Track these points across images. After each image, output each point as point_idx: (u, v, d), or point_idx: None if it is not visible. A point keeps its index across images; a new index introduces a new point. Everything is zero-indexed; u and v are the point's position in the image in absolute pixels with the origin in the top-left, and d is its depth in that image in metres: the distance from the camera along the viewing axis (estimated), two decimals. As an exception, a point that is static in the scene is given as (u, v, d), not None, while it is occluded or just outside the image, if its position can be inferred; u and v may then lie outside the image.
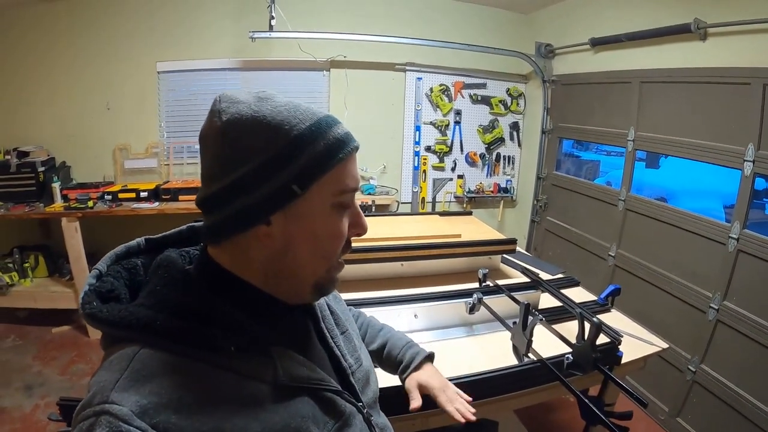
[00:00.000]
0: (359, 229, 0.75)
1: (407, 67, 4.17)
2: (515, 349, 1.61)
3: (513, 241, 2.41)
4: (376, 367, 1.06)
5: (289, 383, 0.68)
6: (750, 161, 2.47)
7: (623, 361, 1.61)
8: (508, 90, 4.56)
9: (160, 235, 0.78)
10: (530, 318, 1.49)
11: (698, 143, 2.80)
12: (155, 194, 3.51)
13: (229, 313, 0.65)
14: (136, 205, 3.38)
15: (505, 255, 2.50)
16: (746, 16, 2.42)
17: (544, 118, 4.37)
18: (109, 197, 3.43)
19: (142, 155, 3.85)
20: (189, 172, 3.92)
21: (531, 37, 4.32)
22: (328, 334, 0.84)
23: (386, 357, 1.22)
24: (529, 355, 1.51)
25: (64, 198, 3.42)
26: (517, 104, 4.62)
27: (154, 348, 0.60)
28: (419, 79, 4.21)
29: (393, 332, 1.27)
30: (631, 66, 3.30)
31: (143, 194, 3.46)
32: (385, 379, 1.18)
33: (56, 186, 3.43)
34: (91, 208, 3.29)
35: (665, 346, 1.88)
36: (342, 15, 3.89)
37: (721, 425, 2.61)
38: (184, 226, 0.81)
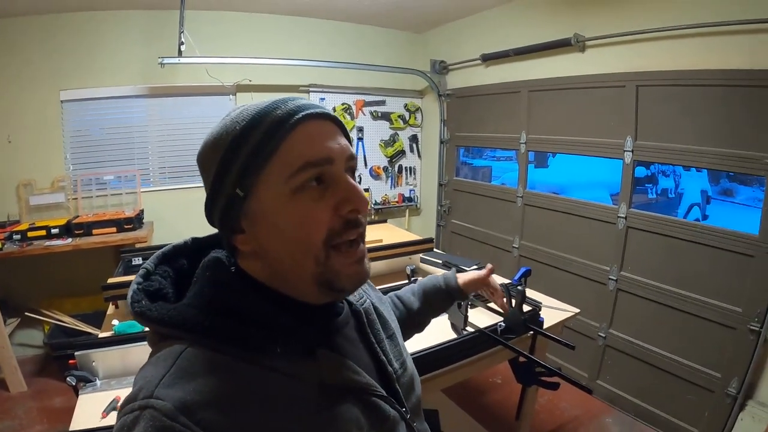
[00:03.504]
0: (348, 204, 0.65)
1: (311, 89, 4.24)
2: (453, 326, 1.80)
3: (430, 240, 2.60)
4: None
5: (333, 385, 0.66)
6: (629, 151, 2.86)
7: (544, 326, 1.83)
8: (406, 105, 4.79)
9: (206, 235, 0.77)
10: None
11: (584, 140, 3.17)
12: (67, 230, 3.28)
13: (274, 315, 0.65)
14: (48, 242, 3.16)
15: (423, 255, 2.67)
16: (618, 30, 2.81)
17: (441, 129, 4.64)
18: (18, 236, 3.15)
19: (48, 190, 3.57)
20: (99, 205, 3.69)
21: (426, 54, 4.56)
22: (373, 339, 0.81)
23: (431, 301, 1.23)
24: (467, 328, 1.72)
25: (-33, 243, 3.08)
26: (415, 118, 4.86)
27: (201, 347, 0.59)
28: (322, 99, 4.29)
29: (420, 285, 1.27)
30: (520, 77, 3.63)
31: (54, 231, 3.24)
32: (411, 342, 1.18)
33: (-44, 231, 3.11)
34: (0, 249, 3.04)
35: (577, 310, 2.16)
36: (248, 40, 3.91)
37: (635, 378, 2.95)
38: None
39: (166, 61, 3.32)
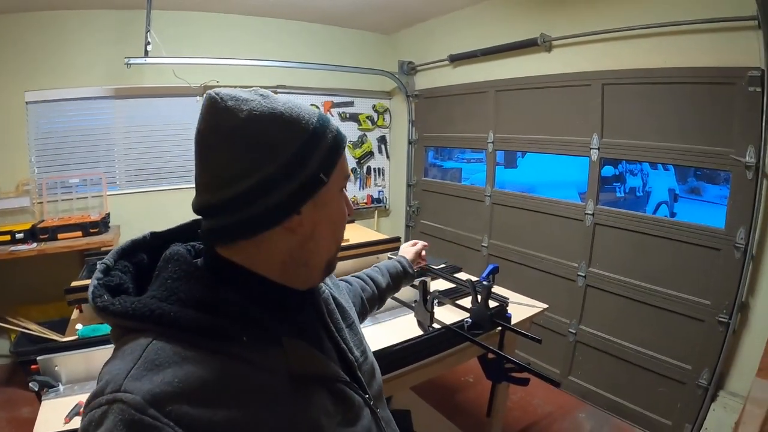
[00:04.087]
0: (350, 210, 0.78)
1: (278, 90, 4.17)
2: (420, 323, 1.78)
3: (397, 239, 2.60)
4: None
5: (300, 374, 0.67)
6: (596, 149, 2.89)
7: (512, 322, 1.82)
8: (374, 106, 4.79)
9: (165, 229, 0.76)
10: (429, 294, 1.67)
11: (551, 138, 3.20)
12: (32, 234, 3.20)
13: (241, 305, 0.65)
14: (13, 248, 3.08)
15: (390, 255, 2.60)
16: (585, 29, 2.84)
17: (409, 129, 4.65)
18: (-19, 242, 3.03)
19: (12, 194, 3.48)
20: (64, 209, 3.60)
21: (394, 55, 4.58)
22: (333, 328, 0.83)
23: (393, 279, 1.40)
24: (434, 325, 1.69)
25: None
26: (383, 119, 4.86)
27: (167, 339, 0.59)
28: None
29: (383, 266, 1.42)
30: (487, 77, 3.67)
31: (19, 236, 3.15)
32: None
33: None
34: (-36, 255, 2.92)
35: (545, 306, 2.18)
36: (215, 40, 3.87)
37: (607, 373, 2.97)
38: (190, 221, 0.78)
39: (132, 61, 3.27)
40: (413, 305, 1.71)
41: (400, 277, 1.43)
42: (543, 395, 3.12)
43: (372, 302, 1.29)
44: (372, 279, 1.33)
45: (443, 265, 2.51)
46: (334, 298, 0.89)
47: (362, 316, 1.21)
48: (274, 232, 0.66)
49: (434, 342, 1.65)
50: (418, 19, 4.21)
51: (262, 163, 0.63)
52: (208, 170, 0.65)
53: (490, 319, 1.61)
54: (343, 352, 0.81)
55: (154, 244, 0.74)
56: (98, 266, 0.66)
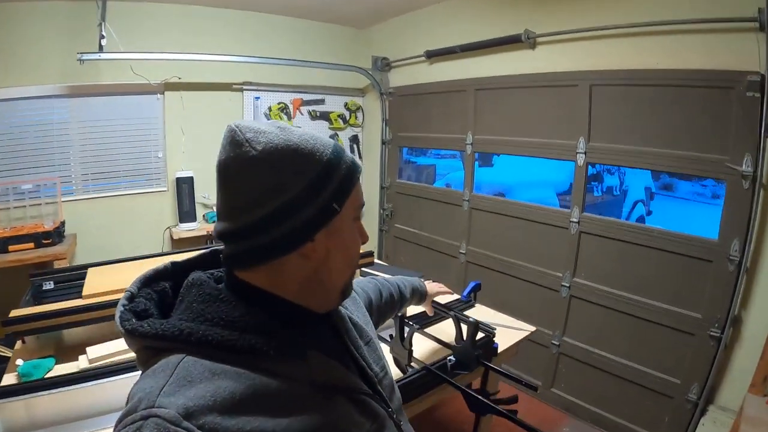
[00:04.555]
0: (364, 237, 0.83)
1: (244, 87, 4.05)
2: (397, 362, 1.63)
3: (370, 254, 2.47)
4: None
5: (324, 385, 0.71)
6: (582, 153, 2.79)
7: (499, 349, 1.72)
8: (346, 104, 4.63)
9: (184, 259, 0.79)
10: (406, 328, 1.52)
11: (535, 141, 3.09)
12: None
13: (266, 321, 0.68)
14: None
15: (364, 269, 2.54)
16: (572, 26, 2.73)
17: (383, 129, 4.51)
18: (-76, 257, 2.82)
19: None
20: (17, 217, 3.34)
21: (368, 51, 4.43)
22: (352, 346, 0.85)
23: (412, 297, 1.51)
24: (412, 364, 1.54)
25: None
26: (356, 117, 4.71)
27: (197, 356, 0.62)
28: (257, 98, 4.12)
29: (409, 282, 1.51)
30: (466, 75, 3.52)
31: None
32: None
33: None
34: None
35: (533, 329, 2.07)
36: (176, 34, 3.68)
37: (592, 385, 2.89)
38: (207, 251, 0.81)
39: (85, 57, 3.09)
40: (389, 339, 1.55)
41: (416, 298, 1.54)
42: (525, 409, 2.96)
43: (392, 311, 1.40)
44: (400, 290, 1.42)
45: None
46: (350, 318, 0.91)
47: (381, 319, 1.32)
48: (289, 258, 0.70)
49: (414, 386, 1.51)
50: (393, 12, 4.06)
51: (276, 192, 0.67)
52: (228, 199, 0.70)
53: (476, 359, 1.46)
54: (363, 368, 0.84)
55: (175, 272, 0.77)
56: (124, 294, 0.70)
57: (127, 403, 0.59)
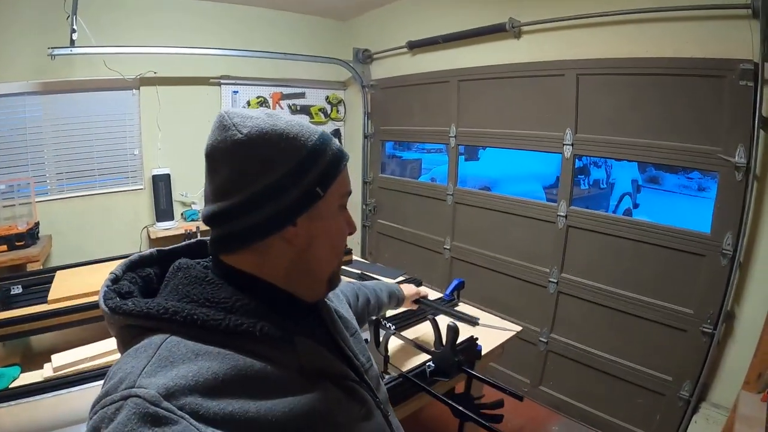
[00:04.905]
0: (351, 227, 0.81)
1: (222, 81, 3.96)
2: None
3: (348, 252, 2.39)
4: None
5: (311, 370, 0.70)
6: (569, 145, 2.72)
7: (484, 351, 1.65)
8: (327, 98, 4.56)
9: (170, 247, 0.80)
10: (382, 332, 1.44)
11: (520, 133, 3.03)
12: None
13: (253, 304, 0.68)
14: None
15: (343, 267, 2.43)
16: (557, 14, 2.66)
17: (365, 122, 4.44)
18: None
19: None
20: None
21: (349, 43, 4.36)
22: (338, 337, 0.85)
23: (390, 301, 1.51)
24: (389, 371, 1.46)
25: None
26: (337, 111, 4.64)
27: (181, 336, 0.61)
28: (235, 92, 4.04)
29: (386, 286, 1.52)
30: (449, 66, 3.45)
31: None
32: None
33: None
34: None
35: (519, 329, 2.00)
36: (151, 27, 3.58)
37: (581, 383, 2.86)
38: (193, 240, 0.83)
39: (56, 52, 2.97)
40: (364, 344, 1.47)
41: (394, 303, 1.53)
42: (513, 407, 2.93)
43: (370, 316, 1.40)
44: (377, 296, 1.42)
45: (401, 278, 2.25)
46: (336, 310, 0.91)
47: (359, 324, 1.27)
48: (273, 242, 0.71)
49: (391, 394, 1.38)
50: (374, 3, 3.99)
51: (259, 176, 0.67)
52: (214, 182, 0.70)
53: (456, 365, 1.38)
54: (350, 358, 0.83)
55: (160, 260, 0.77)
56: (108, 276, 0.70)
57: (105, 382, 0.58)
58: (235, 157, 0.68)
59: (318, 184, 0.71)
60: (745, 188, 2.07)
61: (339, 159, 0.75)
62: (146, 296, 0.71)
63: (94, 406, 0.56)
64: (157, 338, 0.61)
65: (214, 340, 0.62)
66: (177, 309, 0.62)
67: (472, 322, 1.68)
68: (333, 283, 0.81)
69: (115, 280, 0.71)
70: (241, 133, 0.67)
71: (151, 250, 0.78)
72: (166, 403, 0.52)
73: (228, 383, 0.59)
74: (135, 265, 0.75)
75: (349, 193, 0.80)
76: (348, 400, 0.75)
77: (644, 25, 2.36)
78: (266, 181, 0.68)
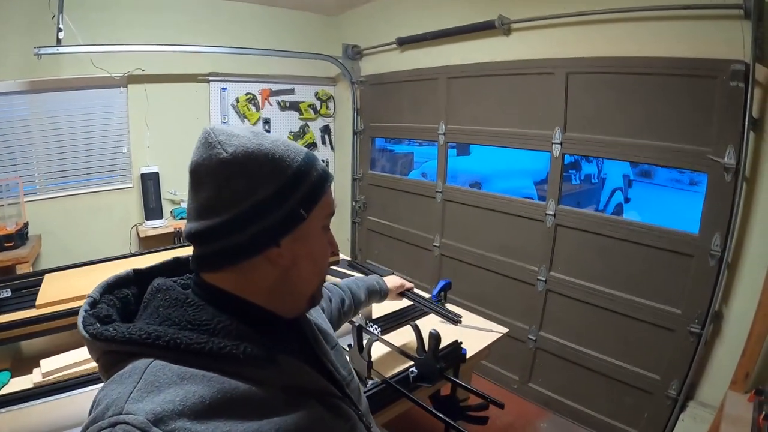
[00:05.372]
0: (334, 247, 0.81)
1: (210, 78, 3.93)
2: (356, 373, 1.54)
3: (334, 254, 2.32)
4: None
5: (294, 388, 0.71)
6: (558, 143, 2.71)
7: (469, 355, 1.64)
8: (316, 94, 4.52)
9: (147, 266, 0.79)
10: (366, 337, 1.43)
11: (509, 131, 3.01)
12: None
13: (235, 325, 0.68)
14: None
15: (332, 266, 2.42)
16: (547, 12, 2.64)
17: (354, 119, 4.41)
18: None
19: None
20: None
21: (338, 39, 4.33)
22: (319, 351, 0.85)
23: (370, 297, 1.49)
24: (372, 377, 1.45)
25: None
26: (327, 107, 4.59)
27: (165, 360, 0.61)
28: (224, 89, 4.00)
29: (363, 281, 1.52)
30: (439, 63, 3.43)
31: None
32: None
33: None
34: None
35: (505, 330, 2.01)
36: (138, 25, 3.54)
37: (567, 380, 2.87)
38: (170, 259, 0.82)
39: (42, 51, 2.96)
40: (347, 349, 1.45)
41: (376, 297, 1.52)
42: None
43: (347, 316, 1.37)
44: (353, 294, 1.41)
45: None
46: (316, 324, 0.91)
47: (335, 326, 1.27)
48: (256, 262, 0.70)
49: (374, 400, 1.41)
50: (363, -1, 3.96)
51: (243, 196, 0.67)
52: (197, 199, 0.70)
53: (439, 372, 1.37)
54: (331, 372, 0.84)
55: (138, 280, 0.77)
56: (86, 300, 0.69)
57: (91, 410, 0.58)
58: (219, 177, 0.67)
59: (302, 205, 0.71)
60: (734, 189, 2.06)
61: (323, 180, 0.75)
62: (125, 318, 0.70)
63: (83, 430, 0.56)
64: (140, 363, 0.61)
65: (198, 363, 0.62)
66: (159, 333, 0.62)
67: (455, 320, 1.67)
68: (314, 300, 0.80)
69: (93, 303, 0.70)
70: (227, 152, 0.67)
71: (128, 270, 0.77)
72: (155, 429, 0.52)
73: (215, 406, 0.59)
74: (112, 287, 0.74)
75: (332, 213, 0.79)
76: (332, 418, 0.75)
77: (635, 24, 2.35)
78: (250, 201, 0.67)
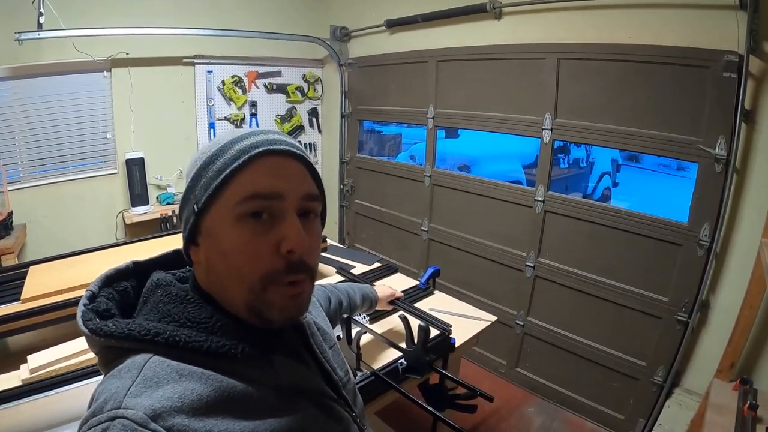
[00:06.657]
0: (286, 243, 0.65)
1: (196, 60, 3.83)
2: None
3: (323, 240, 2.36)
4: None
5: (290, 389, 0.70)
6: (548, 129, 2.69)
7: (457, 344, 1.64)
8: (304, 76, 4.44)
9: (146, 259, 0.79)
10: (355, 329, 1.43)
11: (498, 116, 2.99)
12: None
13: (232, 323, 0.67)
14: None
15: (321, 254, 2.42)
16: None
17: (342, 101, 4.35)
18: None
19: None
20: None
21: (326, 20, 4.23)
22: (317, 350, 0.83)
23: (364, 303, 1.48)
24: (361, 368, 1.46)
25: None
26: (314, 90, 4.52)
27: (164, 355, 0.61)
28: (210, 72, 3.91)
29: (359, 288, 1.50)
30: (428, 46, 3.38)
31: None
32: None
33: None
34: None
35: (494, 318, 1.99)
36: (121, 7, 3.42)
37: (554, 365, 2.90)
38: (170, 250, 0.81)
39: (23, 36, 2.89)
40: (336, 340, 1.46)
41: (367, 305, 1.51)
42: (489, 389, 2.97)
43: (340, 318, 1.39)
44: (350, 297, 1.40)
45: (377, 265, 2.23)
46: (315, 323, 0.89)
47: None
48: (194, 261, 0.72)
49: (364, 392, 1.38)
50: (352, -21, 3.89)
51: (186, 193, 0.70)
52: None
53: (428, 364, 1.38)
54: (328, 372, 0.83)
55: (137, 272, 0.76)
56: (85, 293, 0.69)
57: (90, 404, 0.58)
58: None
59: (197, 198, 0.67)
60: (725, 180, 2.06)
61: (229, 162, 0.66)
62: (124, 311, 0.71)
63: (80, 427, 0.55)
64: (140, 358, 0.61)
65: (196, 361, 0.62)
66: (159, 330, 0.62)
67: (445, 330, 1.67)
68: (260, 315, 0.67)
69: (92, 297, 0.69)
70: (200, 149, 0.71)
71: (127, 262, 0.76)
72: (153, 425, 0.52)
73: (212, 405, 0.59)
74: (111, 280, 0.74)
75: (260, 196, 0.65)
76: (326, 419, 0.75)
77: (629, 10, 2.32)
78: (182, 201, 0.71)
